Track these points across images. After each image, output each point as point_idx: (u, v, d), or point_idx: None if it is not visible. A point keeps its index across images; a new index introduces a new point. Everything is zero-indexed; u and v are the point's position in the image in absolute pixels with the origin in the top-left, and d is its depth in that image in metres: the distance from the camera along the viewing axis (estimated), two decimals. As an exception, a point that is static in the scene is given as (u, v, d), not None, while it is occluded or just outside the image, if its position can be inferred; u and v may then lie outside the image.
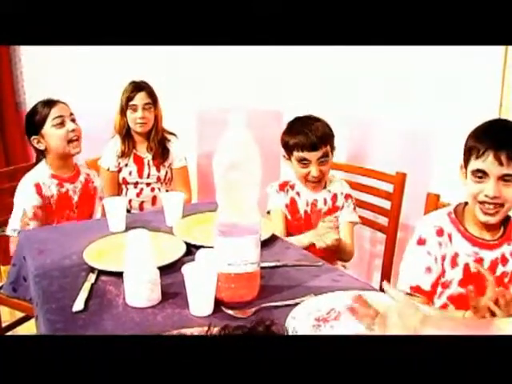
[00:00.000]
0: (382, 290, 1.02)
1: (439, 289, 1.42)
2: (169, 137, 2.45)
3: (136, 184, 2.43)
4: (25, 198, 1.86)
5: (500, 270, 1.39)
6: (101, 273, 1.29)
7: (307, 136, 1.80)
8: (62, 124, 1.88)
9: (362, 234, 2.34)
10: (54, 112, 1.88)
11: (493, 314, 1.17)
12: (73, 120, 1.92)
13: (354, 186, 2.07)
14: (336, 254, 1.85)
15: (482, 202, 1.32)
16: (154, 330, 1.04)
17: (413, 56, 2.09)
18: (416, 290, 1.41)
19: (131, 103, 2.32)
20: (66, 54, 2.70)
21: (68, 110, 1.92)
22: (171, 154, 2.45)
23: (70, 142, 1.89)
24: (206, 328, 0.72)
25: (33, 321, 1.34)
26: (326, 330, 1.02)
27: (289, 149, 1.86)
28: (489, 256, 1.39)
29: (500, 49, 1.86)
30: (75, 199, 1.97)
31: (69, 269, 1.33)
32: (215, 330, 0.71)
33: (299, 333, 1.00)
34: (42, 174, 1.91)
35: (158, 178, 2.44)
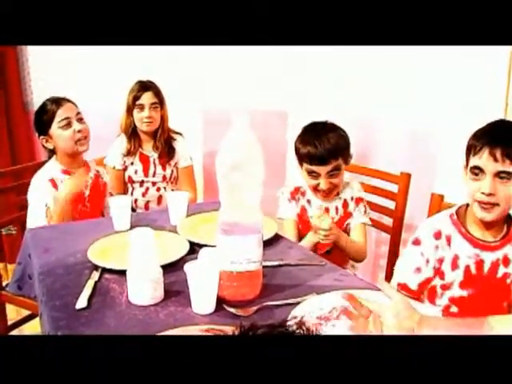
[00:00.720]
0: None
1: (439, 290, 1.42)
2: (175, 136, 2.46)
3: (142, 183, 2.44)
4: (42, 194, 1.84)
5: (502, 271, 1.38)
6: (104, 271, 1.30)
7: (316, 148, 1.70)
8: (68, 125, 1.88)
9: (367, 234, 2.34)
10: (60, 113, 1.88)
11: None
12: (79, 119, 1.91)
13: (359, 186, 2.06)
14: (347, 253, 1.83)
15: (479, 201, 1.32)
16: (156, 327, 1.04)
17: (419, 56, 2.09)
18: (402, 288, 1.42)
19: (138, 102, 2.33)
20: (72, 54, 2.72)
21: (75, 109, 1.92)
22: (177, 153, 2.45)
23: (77, 141, 1.90)
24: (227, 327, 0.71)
25: (38, 319, 1.35)
26: (327, 329, 1.03)
27: (299, 157, 1.78)
28: (490, 257, 1.38)
29: (506, 49, 1.86)
30: (87, 193, 1.98)
31: (73, 266, 1.34)
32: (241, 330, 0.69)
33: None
34: (53, 170, 1.92)
35: (164, 177, 2.45)
